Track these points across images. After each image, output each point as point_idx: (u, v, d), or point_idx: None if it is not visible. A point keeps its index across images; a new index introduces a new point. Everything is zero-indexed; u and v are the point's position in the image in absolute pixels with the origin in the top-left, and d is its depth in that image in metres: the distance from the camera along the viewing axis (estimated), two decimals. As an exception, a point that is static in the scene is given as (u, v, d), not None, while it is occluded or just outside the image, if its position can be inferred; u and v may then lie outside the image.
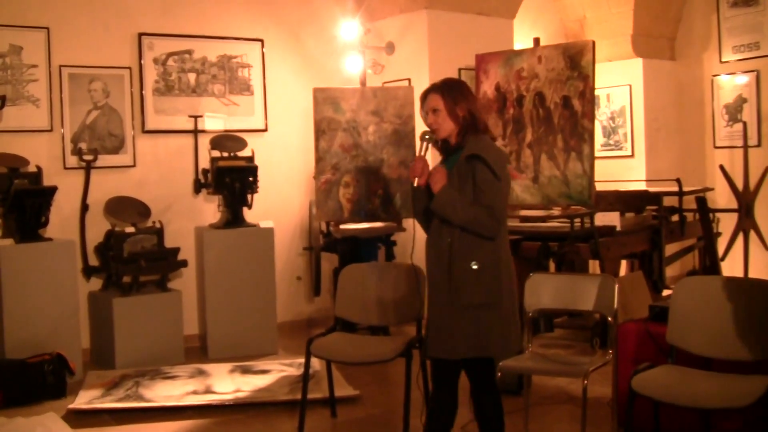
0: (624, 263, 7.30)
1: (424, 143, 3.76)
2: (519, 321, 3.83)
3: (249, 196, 6.72)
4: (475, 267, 3.61)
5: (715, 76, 8.54)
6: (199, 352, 6.73)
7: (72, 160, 6.48)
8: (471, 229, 3.60)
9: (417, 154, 3.76)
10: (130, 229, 6.34)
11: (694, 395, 3.56)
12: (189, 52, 6.99)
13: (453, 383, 3.80)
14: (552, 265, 6.87)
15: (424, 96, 3.78)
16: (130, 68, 6.74)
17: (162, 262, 6.39)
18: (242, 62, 7.25)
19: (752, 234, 7.32)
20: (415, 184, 3.71)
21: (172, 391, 5.50)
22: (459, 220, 3.59)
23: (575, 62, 6.23)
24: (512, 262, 3.80)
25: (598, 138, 8.54)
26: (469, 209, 3.58)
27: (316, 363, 5.40)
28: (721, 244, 7.32)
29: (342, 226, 6.75)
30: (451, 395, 3.80)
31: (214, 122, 7.07)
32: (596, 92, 6.41)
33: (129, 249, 6.25)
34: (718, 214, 7.44)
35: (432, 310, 3.78)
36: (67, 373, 5.62)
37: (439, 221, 3.69)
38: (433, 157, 3.97)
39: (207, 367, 6.12)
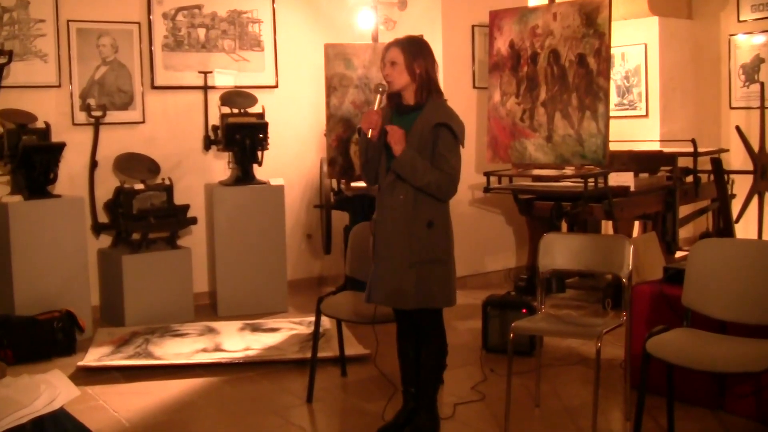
0: (637, 224, 7.25)
1: (379, 96, 3.83)
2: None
3: (259, 153, 6.67)
4: (429, 225, 3.75)
5: (732, 35, 8.40)
6: (208, 309, 6.72)
7: (81, 116, 6.42)
8: (428, 192, 3.73)
9: (374, 107, 3.83)
10: (140, 186, 6.31)
11: (709, 359, 3.52)
12: (199, 7, 6.89)
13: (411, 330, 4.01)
14: (564, 226, 6.83)
15: (386, 50, 3.86)
16: (139, 23, 6.65)
17: (171, 219, 6.36)
18: (252, 17, 7.14)
19: (767, 196, 7.25)
20: (369, 135, 3.77)
21: (181, 348, 5.50)
22: (418, 183, 3.71)
23: (591, 19, 6.13)
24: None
25: (612, 97, 8.42)
26: (430, 173, 3.69)
27: (326, 322, 5.37)
28: (736, 206, 7.24)
29: (353, 184, 6.70)
30: (411, 342, 4.02)
31: (224, 78, 6.99)
32: (611, 51, 6.30)
33: (138, 206, 6.22)
34: (732, 176, 7.35)
35: (381, 263, 3.85)
36: (77, 330, 5.63)
37: (393, 178, 3.77)
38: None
39: (216, 324, 6.12)
